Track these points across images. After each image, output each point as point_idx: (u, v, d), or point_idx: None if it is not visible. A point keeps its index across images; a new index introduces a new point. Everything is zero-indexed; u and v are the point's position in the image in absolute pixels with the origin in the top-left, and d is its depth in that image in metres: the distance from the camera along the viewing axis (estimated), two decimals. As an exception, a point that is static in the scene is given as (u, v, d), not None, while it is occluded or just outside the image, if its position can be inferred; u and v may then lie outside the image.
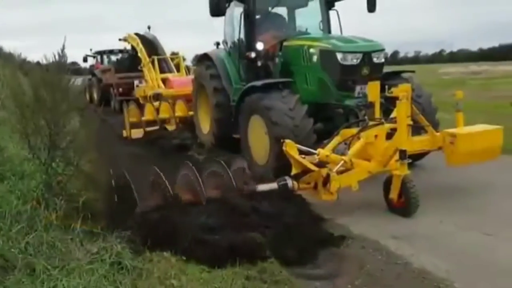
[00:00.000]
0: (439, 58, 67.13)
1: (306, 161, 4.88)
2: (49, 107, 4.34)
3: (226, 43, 8.28)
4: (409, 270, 3.77)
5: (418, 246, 4.19)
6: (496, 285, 3.53)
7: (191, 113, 10.03)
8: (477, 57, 66.56)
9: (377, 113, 5.44)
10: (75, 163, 4.50)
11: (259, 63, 7.22)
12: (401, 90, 5.23)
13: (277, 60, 7.12)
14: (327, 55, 6.30)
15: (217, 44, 8.75)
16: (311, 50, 6.54)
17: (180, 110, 10.29)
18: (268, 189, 4.72)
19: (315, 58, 6.48)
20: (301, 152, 5.03)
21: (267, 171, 5.92)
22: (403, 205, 4.85)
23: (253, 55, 7.14)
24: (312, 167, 4.84)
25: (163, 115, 10.42)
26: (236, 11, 7.71)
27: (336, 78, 6.25)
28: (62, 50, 4.37)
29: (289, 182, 4.80)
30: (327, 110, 6.46)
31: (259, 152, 6.39)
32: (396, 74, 6.81)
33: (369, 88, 5.52)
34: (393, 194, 4.89)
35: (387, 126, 5.11)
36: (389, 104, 5.54)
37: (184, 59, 14.22)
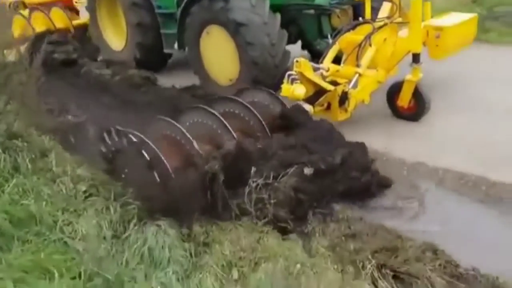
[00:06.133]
0: None
1: (322, 81, 4.28)
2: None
3: None
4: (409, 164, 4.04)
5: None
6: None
7: (75, 22, 8.44)
8: None
9: (368, 13, 4.93)
10: None
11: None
12: None
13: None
14: None
15: None
16: None
17: (59, 20, 8.33)
18: None
19: None
20: None
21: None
22: (413, 110, 4.70)
23: None
24: (329, 87, 4.28)
25: (39, 28, 8.31)
26: None
27: None
28: None
29: (306, 107, 4.21)
30: (289, 12, 5.65)
31: (220, 70, 5.51)
32: None
33: (358, -15, 4.91)
34: (403, 101, 4.66)
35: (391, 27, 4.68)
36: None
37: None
